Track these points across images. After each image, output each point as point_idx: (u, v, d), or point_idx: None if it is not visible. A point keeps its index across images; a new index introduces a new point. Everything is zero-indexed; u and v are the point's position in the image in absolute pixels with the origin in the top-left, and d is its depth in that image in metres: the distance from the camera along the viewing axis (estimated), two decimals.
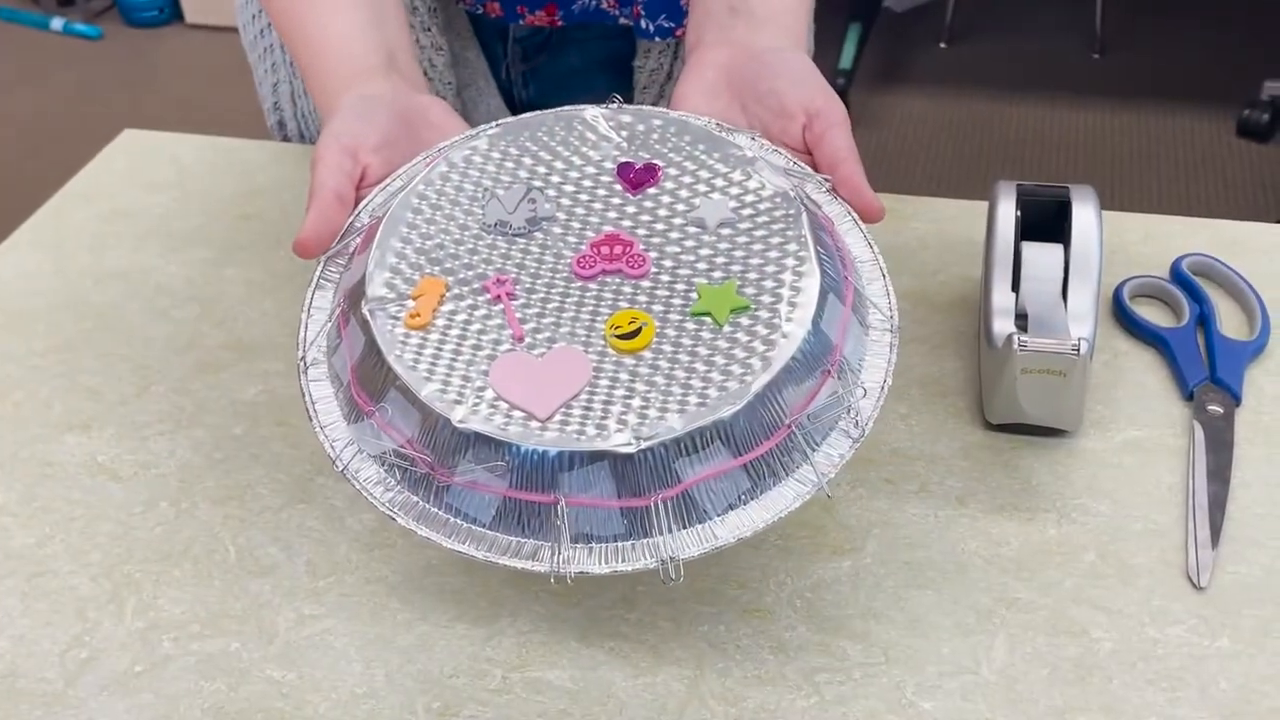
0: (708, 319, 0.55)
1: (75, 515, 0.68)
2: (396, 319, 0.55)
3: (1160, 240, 0.82)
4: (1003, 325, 0.68)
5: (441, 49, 0.88)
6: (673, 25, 0.84)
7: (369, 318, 0.55)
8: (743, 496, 0.53)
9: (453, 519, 0.54)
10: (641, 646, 0.60)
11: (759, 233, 0.57)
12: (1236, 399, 0.70)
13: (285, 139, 1.00)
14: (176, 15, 3.21)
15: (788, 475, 0.53)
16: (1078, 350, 0.64)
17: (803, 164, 0.62)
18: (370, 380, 0.55)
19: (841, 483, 0.67)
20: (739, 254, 0.57)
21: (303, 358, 0.58)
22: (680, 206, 0.59)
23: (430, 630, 0.61)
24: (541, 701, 0.58)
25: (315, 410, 0.57)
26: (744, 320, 0.54)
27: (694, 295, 0.55)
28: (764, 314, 0.54)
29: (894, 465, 0.68)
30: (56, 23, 3.18)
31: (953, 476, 0.67)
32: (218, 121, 2.71)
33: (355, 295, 0.57)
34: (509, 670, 0.59)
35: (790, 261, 0.56)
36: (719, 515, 0.53)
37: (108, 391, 0.75)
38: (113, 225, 0.89)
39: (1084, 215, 0.71)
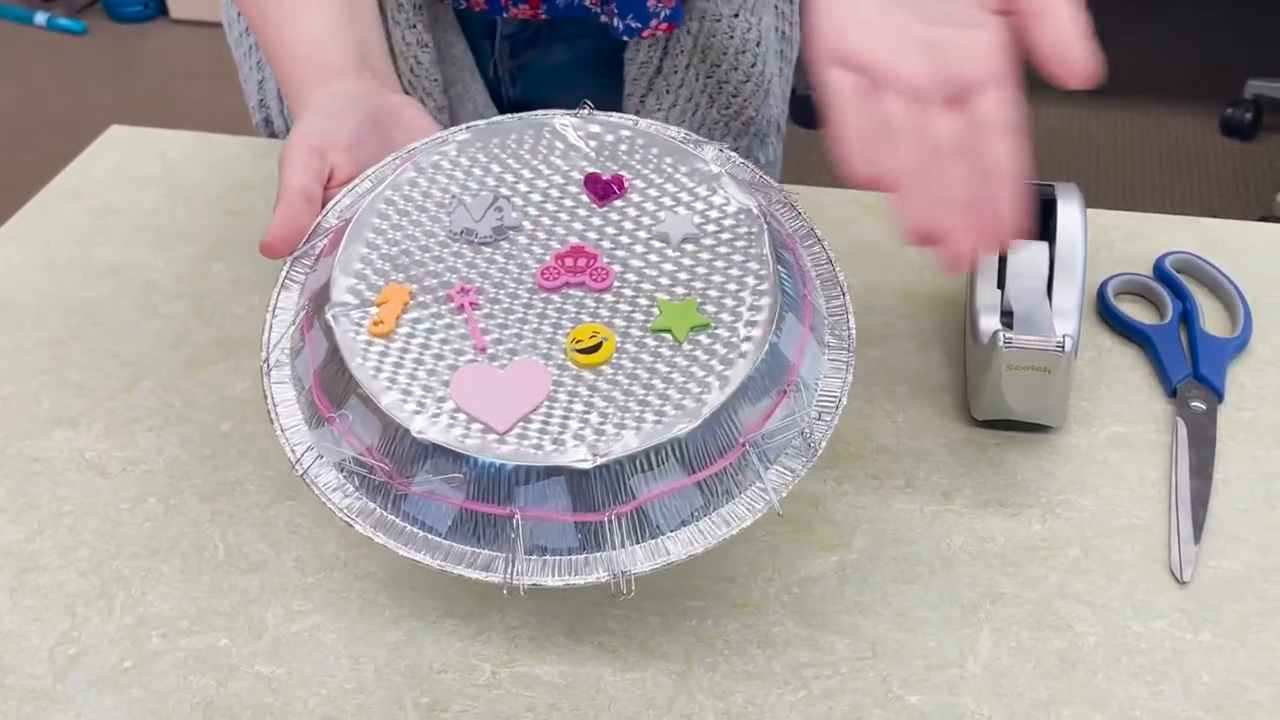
0: (668, 335, 0.55)
1: (63, 511, 0.68)
2: (360, 325, 0.56)
3: (1144, 238, 0.83)
4: (988, 322, 0.69)
5: (427, 46, 0.88)
6: (639, 26, 0.84)
7: (332, 323, 0.55)
8: (695, 513, 0.54)
9: (410, 527, 0.54)
10: (630, 642, 0.60)
11: (721, 249, 0.57)
12: (1219, 395, 0.71)
13: (272, 136, 1.00)
14: (161, 10, 3.20)
15: (740, 493, 0.54)
16: (1062, 347, 0.64)
17: (768, 178, 0.62)
18: (332, 386, 0.55)
19: (828, 479, 0.67)
20: (701, 270, 0.57)
21: (266, 359, 0.59)
22: (645, 220, 0.59)
23: (419, 626, 0.61)
24: (530, 696, 0.58)
25: (277, 413, 0.57)
26: (703, 338, 0.55)
27: (655, 311, 0.56)
28: (723, 332, 0.55)
29: (880, 461, 0.68)
30: (40, 17, 3.16)
31: (939, 472, 0.68)
32: (203, 116, 2.70)
33: (320, 299, 0.57)
34: (498, 665, 0.59)
35: (751, 280, 0.56)
36: (672, 531, 0.53)
37: (96, 387, 0.75)
38: (101, 221, 0.89)
39: (1069, 213, 0.72)
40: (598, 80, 0.93)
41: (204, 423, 0.72)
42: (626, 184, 0.60)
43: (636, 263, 0.57)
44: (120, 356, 0.77)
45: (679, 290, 0.56)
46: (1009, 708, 0.57)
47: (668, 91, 0.91)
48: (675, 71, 0.90)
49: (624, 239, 0.58)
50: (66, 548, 0.66)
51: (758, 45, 0.93)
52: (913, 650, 0.59)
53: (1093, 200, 0.77)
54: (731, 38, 0.90)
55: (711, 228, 0.58)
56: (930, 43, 0.51)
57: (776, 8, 0.96)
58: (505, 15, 0.88)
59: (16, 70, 3.00)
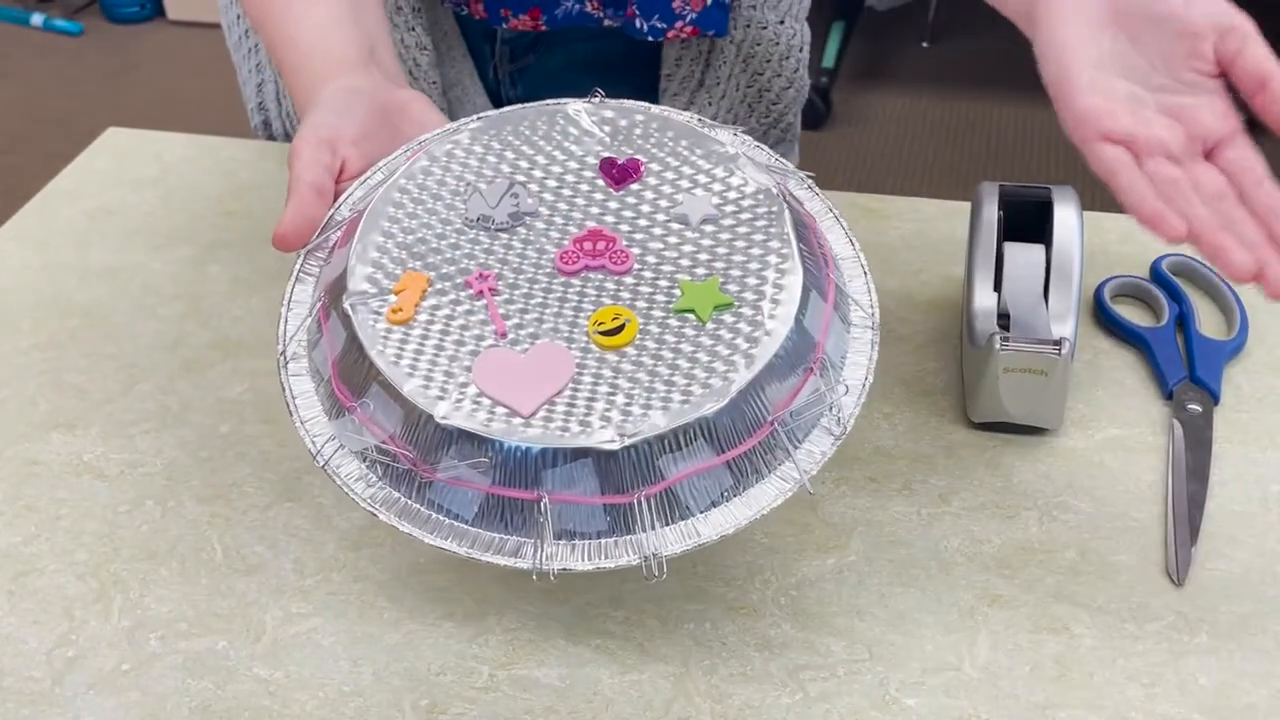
0: (691, 316, 0.55)
1: (61, 514, 0.68)
2: (378, 314, 0.56)
3: (1140, 240, 0.83)
4: (985, 325, 0.69)
5: (426, 49, 0.88)
6: (664, 27, 0.84)
7: (350, 312, 0.55)
8: (725, 493, 0.53)
9: (435, 515, 0.54)
10: (628, 644, 0.60)
11: (741, 229, 0.57)
12: (1215, 398, 0.71)
13: (270, 138, 1.00)
14: (158, 11, 3.20)
15: (770, 472, 0.54)
16: (1059, 350, 0.65)
17: (785, 161, 0.63)
18: (352, 375, 0.55)
19: (825, 480, 0.67)
20: (722, 251, 0.57)
21: (283, 352, 0.58)
22: (663, 203, 0.59)
23: (417, 628, 0.61)
24: (528, 699, 0.58)
25: (296, 405, 0.57)
26: (727, 317, 0.55)
27: (677, 292, 0.56)
28: (747, 311, 0.55)
29: (878, 464, 0.69)
30: (37, 18, 3.16)
31: (936, 475, 0.68)
32: (200, 118, 2.70)
33: (336, 290, 0.57)
34: (496, 668, 0.59)
35: (773, 259, 0.56)
36: (702, 512, 0.53)
37: (93, 390, 0.75)
38: (98, 223, 0.89)
39: (1065, 216, 0.72)
40: (599, 83, 0.92)
41: (202, 425, 0.72)
42: (642, 167, 0.60)
43: (656, 245, 0.57)
44: (117, 358, 0.77)
45: (700, 271, 0.56)
46: (1006, 711, 0.57)
47: (709, 104, 0.91)
48: (718, 83, 0.90)
49: (642, 222, 0.58)
50: (64, 550, 0.66)
51: (801, 51, 0.93)
52: (910, 653, 0.59)
53: (1089, 203, 0.77)
54: (777, 44, 0.90)
55: (730, 208, 0.58)
56: (1170, 109, 0.58)
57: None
58: (505, 26, 0.89)
59: (13, 71, 3.00)
